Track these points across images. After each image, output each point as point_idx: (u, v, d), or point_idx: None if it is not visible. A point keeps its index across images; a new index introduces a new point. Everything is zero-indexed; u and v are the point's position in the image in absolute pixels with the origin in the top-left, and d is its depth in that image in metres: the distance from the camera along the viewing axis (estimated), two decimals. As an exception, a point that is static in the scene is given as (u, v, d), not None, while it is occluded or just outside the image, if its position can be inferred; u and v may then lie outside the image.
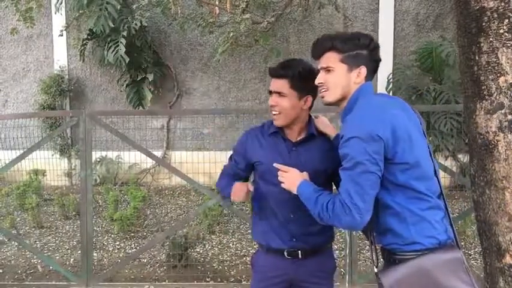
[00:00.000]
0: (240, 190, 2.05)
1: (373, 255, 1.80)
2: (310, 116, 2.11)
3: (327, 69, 1.79)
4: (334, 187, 2.19)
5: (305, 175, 1.87)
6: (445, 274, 1.63)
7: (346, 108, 1.79)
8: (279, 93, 2.00)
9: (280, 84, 2.00)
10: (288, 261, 2.06)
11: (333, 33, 1.87)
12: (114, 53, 6.90)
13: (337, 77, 1.77)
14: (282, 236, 2.06)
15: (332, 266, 2.16)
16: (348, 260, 3.56)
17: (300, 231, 2.05)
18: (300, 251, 2.05)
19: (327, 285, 2.12)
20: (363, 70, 1.77)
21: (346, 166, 1.65)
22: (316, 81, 1.82)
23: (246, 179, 2.22)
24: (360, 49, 1.78)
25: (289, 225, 2.05)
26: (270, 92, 2.06)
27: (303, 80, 1.98)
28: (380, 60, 1.85)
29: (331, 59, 1.79)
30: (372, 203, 1.64)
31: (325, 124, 2.14)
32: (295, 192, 1.83)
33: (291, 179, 1.85)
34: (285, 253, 2.06)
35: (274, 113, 2.03)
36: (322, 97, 1.83)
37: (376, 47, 1.81)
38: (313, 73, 1.98)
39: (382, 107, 1.69)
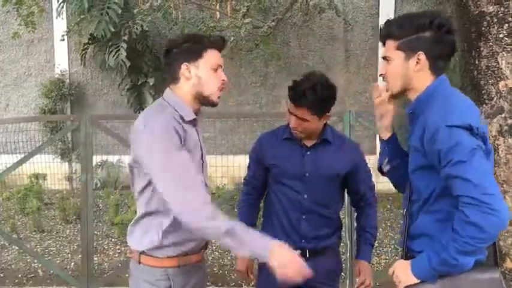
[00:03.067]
0: (244, 264, 2.25)
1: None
2: (325, 123, 2.13)
3: (386, 59, 1.62)
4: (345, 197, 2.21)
5: (403, 263, 1.59)
6: None
7: (420, 100, 1.58)
8: (300, 118, 2.00)
9: (301, 112, 1.99)
10: None
11: (401, 15, 1.63)
12: (115, 57, 6.92)
13: (394, 67, 1.59)
14: (292, 237, 2.10)
15: (338, 267, 2.22)
16: (348, 264, 3.55)
17: (310, 233, 2.10)
18: (308, 250, 2.10)
19: (333, 286, 2.17)
20: (422, 56, 1.54)
21: (458, 159, 1.39)
22: (379, 72, 1.70)
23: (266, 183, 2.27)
24: (421, 31, 1.54)
25: (300, 227, 2.10)
26: (290, 112, 2.04)
27: (323, 104, 1.98)
28: (453, 41, 1.58)
29: (388, 47, 1.61)
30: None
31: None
32: (416, 280, 1.51)
33: (402, 271, 1.56)
34: None
35: (295, 132, 2.06)
36: (387, 90, 1.68)
37: (443, 26, 1.54)
38: (333, 92, 2.00)
39: (472, 107, 1.54)
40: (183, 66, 1.76)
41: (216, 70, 1.78)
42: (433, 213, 1.55)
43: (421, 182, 1.59)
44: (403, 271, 1.54)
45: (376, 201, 2.27)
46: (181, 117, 1.73)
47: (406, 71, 1.57)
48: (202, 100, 1.79)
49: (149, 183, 1.69)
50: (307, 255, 2.09)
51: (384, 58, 1.63)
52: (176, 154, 1.62)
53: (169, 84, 1.83)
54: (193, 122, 1.79)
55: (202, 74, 1.76)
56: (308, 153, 2.10)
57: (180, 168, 1.61)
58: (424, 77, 1.57)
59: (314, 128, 2.05)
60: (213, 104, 1.80)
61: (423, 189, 1.58)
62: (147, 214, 1.75)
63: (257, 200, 2.30)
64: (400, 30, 1.56)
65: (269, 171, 2.18)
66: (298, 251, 1.76)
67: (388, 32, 1.60)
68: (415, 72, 1.56)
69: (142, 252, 1.76)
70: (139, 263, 1.77)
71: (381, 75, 1.66)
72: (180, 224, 1.63)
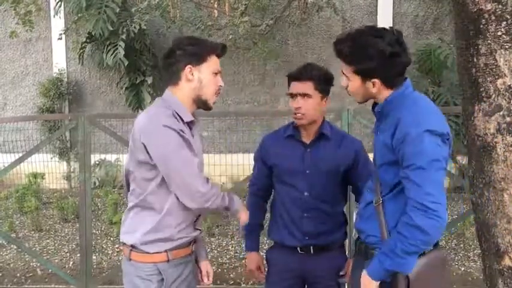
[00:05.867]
0: (253, 263, 2.27)
1: None
2: (323, 118, 2.20)
3: (345, 75, 1.76)
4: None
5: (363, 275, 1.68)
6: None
7: (388, 101, 1.71)
8: (305, 95, 2.07)
9: (306, 86, 2.08)
10: (301, 256, 2.14)
11: (349, 37, 1.72)
12: (113, 56, 6.91)
13: (354, 87, 1.74)
14: (295, 234, 2.13)
15: (343, 264, 2.20)
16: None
17: (313, 230, 2.12)
18: (312, 247, 2.13)
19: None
20: (377, 82, 1.69)
21: (419, 165, 1.53)
22: (342, 84, 1.80)
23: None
24: (371, 60, 1.65)
25: (302, 224, 2.12)
26: (292, 95, 2.11)
27: (325, 82, 2.11)
28: (402, 61, 1.68)
29: (345, 68, 1.74)
30: None
31: None
32: (377, 282, 1.63)
33: (362, 280, 1.67)
34: (298, 249, 2.14)
35: (299, 115, 2.09)
36: (350, 95, 1.82)
37: (387, 52, 1.63)
38: (331, 76, 2.15)
39: (440, 112, 1.69)
40: (187, 68, 1.81)
41: (216, 75, 1.86)
42: (396, 202, 1.67)
43: (387, 175, 1.70)
44: (363, 279, 1.66)
45: None
46: (181, 119, 1.79)
47: (365, 90, 1.72)
48: (200, 104, 1.86)
49: (155, 177, 1.75)
50: (312, 252, 2.13)
51: (343, 73, 1.75)
52: (184, 151, 1.74)
53: (169, 84, 1.86)
54: (191, 124, 1.84)
55: (203, 78, 1.83)
56: (308, 150, 2.13)
57: (186, 163, 1.74)
58: (384, 92, 1.71)
59: (316, 109, 2.08)
60: (209, 108, 1.89)
61: (389, 180, 1.69)
62: (143, 208, 1.81)
63: (263, 200, 2.33)
64: (351, 57, 1.68)
65: (272, 171, 2.21)
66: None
67: (341, 54, 1.70)
68: (374, 91, 1.71)
69: (132, 249, 1.81)
70: (130, 259, 1.83)
71: (346, 88, 1.78)
72: (170, 220, 1.77)
